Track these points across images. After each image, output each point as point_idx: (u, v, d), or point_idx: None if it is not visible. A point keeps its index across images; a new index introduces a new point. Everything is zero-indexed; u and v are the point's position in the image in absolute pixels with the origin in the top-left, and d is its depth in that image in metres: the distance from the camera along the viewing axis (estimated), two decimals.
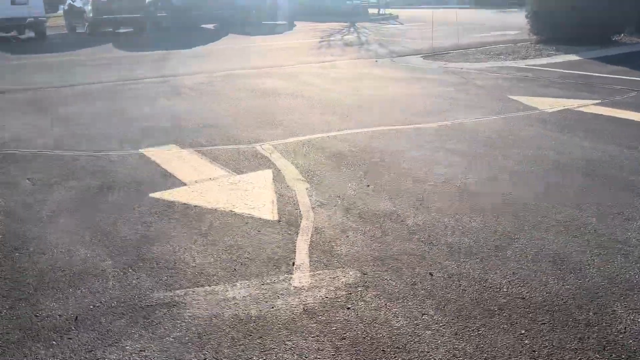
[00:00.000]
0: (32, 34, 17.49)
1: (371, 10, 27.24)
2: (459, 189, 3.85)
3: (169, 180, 4.15)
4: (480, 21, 21.05)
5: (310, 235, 3.15)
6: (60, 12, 23.07)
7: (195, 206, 3.63)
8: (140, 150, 4.95)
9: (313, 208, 3.56)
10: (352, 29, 19.39)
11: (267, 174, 4.24)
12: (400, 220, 3.35)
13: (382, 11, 26.88)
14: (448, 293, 2.54)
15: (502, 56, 10.96)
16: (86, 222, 3.42)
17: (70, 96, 7.68)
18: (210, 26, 21.43)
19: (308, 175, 4.19)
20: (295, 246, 3.02)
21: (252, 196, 3.77)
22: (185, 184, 4.05)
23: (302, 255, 2.92)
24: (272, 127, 5.73)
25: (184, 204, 3.68)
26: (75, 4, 19.49)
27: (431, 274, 2.70)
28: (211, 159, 4.65)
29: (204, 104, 6.98)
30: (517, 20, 18.65)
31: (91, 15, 18.09)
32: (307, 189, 3.92)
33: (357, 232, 3.18)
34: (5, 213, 3.60)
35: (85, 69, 10.50)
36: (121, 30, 19.99)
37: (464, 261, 2.83)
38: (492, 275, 2.69)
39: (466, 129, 5.44)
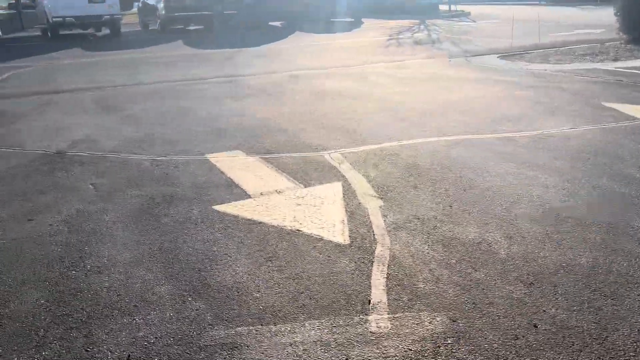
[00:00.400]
0: (107, 31, 18.02)
1: (442, 7, 26.37)
2: (559, 215, 3.35)
3: (234, 190, 3.89)
4: (559, 18, 19.82)
5: (387, 265, 2.78)
6: (135, 9, 23.71)
7: (260, 222, 3.34)
8: (205, 155, 4.74)
9: (389, 231, 3.19)
10: (422, 27, 18.74)
11: (337, 187, 3.90)
12: (491, 251, 2.91)
13: (453, 8, 25.93)
14: (559, 353, 2.11)
15: (588, 57, 10.10)
16: (146, 236, 3.20)
17: (138, 95, 7.65)
18: (277, 24, 21.36)
19: (381, 190, 3.81)
20: (370, 278, 2.66)
21: (320, 213, 3.44)
22: (250, 196, 3.77)
23: (378, 291, 2.55)
24: (341, 133, 5.38)
25: (249, 219, 3.39)
26: (148, 1, 19.93)
27: (535, 326, 2.27)
28: (277, 167, 4.36)
29: (270, 106, 6.73)
30: (600, 17, 17.42)
31: (163, 12, 18.40)
32: (380, 206, 3.54)
33: (442, 265, 2.78)
34: (65, 222, 3.44)
35: (154, 67, 10.55)
36: (191, 28, 20.27)
37: (575, 310, 2.37)
38: (612, 332, 2.22)
39: (558, 141, 4.87)
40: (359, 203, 3.62)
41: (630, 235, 3.04)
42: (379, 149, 4.82)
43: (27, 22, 21.00)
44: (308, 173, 4.23)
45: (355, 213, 3.45)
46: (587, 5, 27.76)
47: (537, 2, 29.98)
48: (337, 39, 15.62)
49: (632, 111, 5.86)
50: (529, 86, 7.52)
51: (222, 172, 4.29)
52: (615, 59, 9.70)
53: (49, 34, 17.02)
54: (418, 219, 3.34)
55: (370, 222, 3.32)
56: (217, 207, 3.59)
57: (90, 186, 4.06)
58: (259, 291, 2.59)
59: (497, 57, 10.62)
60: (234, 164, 4.49)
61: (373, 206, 3.56)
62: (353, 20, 22.38)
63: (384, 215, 3.41)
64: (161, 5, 18.41)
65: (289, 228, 3.25)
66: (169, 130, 5.68)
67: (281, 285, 2.63)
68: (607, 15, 13.29)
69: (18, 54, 13.33)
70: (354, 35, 16.48)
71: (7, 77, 9.69)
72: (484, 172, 4.14)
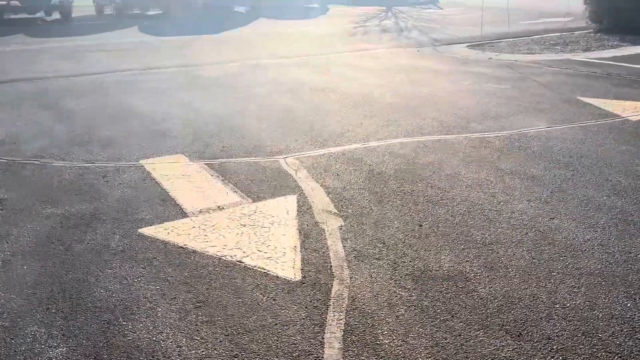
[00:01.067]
0: (58, 16, 16.89)
1: None
2: (545, 237, 2.87)
3: (168, 207, 3.30)
4: (527, 6, 19.58)
5: (344, 311, 2.25)
6: None
7: (193, 252, 2.76)
8: (140, 161, 4.11)
9: (349, 261, 2.65)
10: (389, 14, 18.22)
11: (291, 202, 3.34)
12: (470, 288, 2.41)
13: None
14: None
15: (558, 47, 9.75)
16: (49, 273, 2.59)
17: (80, 88, 6.90)
18: (241, 9, 20.52)
19: (341, 205, 3.28)
20: (324, 331, 2.13)
21: (269, 238, 2.88)
22: (186, 214, 3.18)
23: (333, 351, 2.02)
24: (300, 132, 4.81)
25: (181, 247, 2.81)
26: None
27: None
28: (223, 176, 3.78)
29: (224, 100, 6.10)
30: (569, 5, 17.20)
31: None
32: (340, 227, 3.01)
33: (412, 310, 2.26)
34: None
35: (103, 56, 9.74)
36: (150, 13, 19.25)
37: None
38: None
39: (535, 142, 4.42)
40: (316, 222, 3.07)
41: (631, 264, 2.59)
42: (341, 152, 4.27)
43: None
44: (259, 183, 3.66)
45: (310, 236, 2.91)
46: None
47: None
48: (302, 25, 14.96)
49: (610, 107, 5.46)
50: (501, 78, 7.08)
51: (157, 183, 3.68)
52: (586, 49, 9.36)
53: None
54: (383, 243, 2.82)
55: (327, 248, 2.78)
56: (145, 230, 2.99)
57: None
58: (181, 353, 2.02)
59: (466, 46, 10.18)
60: (173, 172, 3.88)
61: (332, 227, 3.02)
62: (318, 6, 21.70)
63: (344, 239, 2.87)
64: None
65: (229, 259, 2.69)
66: (105, 129, 5.00)
67: (210, 345, 2.07)
68: (576, 3, 13.00)
69: None
70: (320, 23, 15.85)
71: None
72: (457, 181, 3.64)
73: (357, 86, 6.75)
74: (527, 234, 2.90)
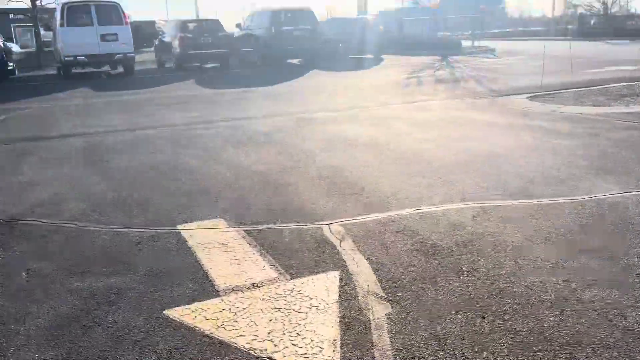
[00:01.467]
0: (122, 69, 17.66)
1: (465, 43, 25.66)
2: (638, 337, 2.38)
3: (199, 281, 3.02)
4: (589, 54, 18.89)
5: None
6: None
7: (220, 342, 2.44)
8: (178, 226, 3.89)
9: None
10: (444, 64, 18.00)
11: (332, 280, 2.99)
12: None
13: (476, 43, 25.21)
14: None
15: (628, 98, 9.12)
16: None
17: (129, 143, 6.91)
18: (295, 61, 20.88)
19: (390, 287, 2.89)
20: None
21: (305, 327, 2.53)
22: (217, 293, 2.88)
23: None
24: (347, 194, 4.49)
25: (207, 335, 2.50)
26: (164, 39, 19.67)
27: None
28: (262, 245, 3.48)
29: (270, 157, 5.90)
30: (632, 53, 16.43)
31: (178, 50, 18.07)
32: (388, 316, 2.62)
33: None
34: None
35: (157, 108, 9.90)
36: (208, 65, 19.88)
37: None
38: None
39: (613, 212, 3.90)
40: (360, 308, 2.70)
41: None
42: (391, 218, 3.91)
43: (47, 60, 20.93)
44: (299, 254, 3.33)
45: (352, 327, 2.53)
46: (616, 40, 26.83)
47: (563, 37, 29.12)
48: (355, 77, 14.93)
49: None
50: (566, 134, 6.57)
51: (192, 252, 3.42)
52: None
53: (62, 72, 16.72)
54: (439, 340, 2.40)
55: (371, 344, 2.40)
56: (170, 313, 2.70)
57: (23, 274, 3.22)
58: None
59: (527, 97, 9.71)
60: (210, 240, 3.62)
61: (378, 315, 2.63)
62: (373, 57, 21.83)
63: (392, 332, 2.47)
64: (176, 43, 18.08)
65: (258, 353, 2.35)
66: (147, 189, 4.87)
67: None
68: (638, 51, 12.34)
69: (24, 94, 12.90)
70: (374, 73, 15.79)
71: (2, 119, 9.12)
72: (525, 258, 3.19)
73: (409, 141, 6.42)
74: (613, 333, 2.41)
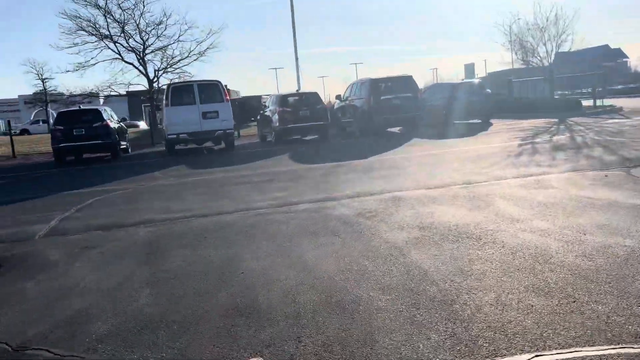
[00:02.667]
0: (223, 145, 17.88)
1: (586, 103, 23.31)
2: None
3: None
4: None
5: None
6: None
7: None
8: None
9: None
10: (562, 127, 16.14)
11: None
12: None
13: (598, 102, 22.79)
14: None
15: None
16: None
17: (196, 234, 6.22)
18: (396, 130, 20.06)
19: None
20: None
21: None
22: None
23: None
24: (434, 319, 3.28)
25: None
26: (266, 113, 19.82)
27: None
28: None
29: (344, 253, 4.84)
30: None
31: (277, 124, 18.01)
32: None
33: None
34: None
35: (242, 188, 9.34)
36: (307, 138, 19.65)
37: None
38: None
39: None
40: None
41: None
42: None
43: (159, 137, 21.99)
44: None
45: None
46: None
47: None
48: (460, 145, 13.65)
49: None
50: None
51: None
52: None
53: (167, 149, 17.22)
54: None
55: None
56: None
57: None
58: None
59: None
60: None
61: None
62: (480, 121, 20.41)
63: None
64: (275, 117, 18.06)
65: None
66: (190, 303, 3.99)
67: None
68: None
69: (126, 173, 13.16)
70: (481, 140, 14.39)
71: (90, 203, 9.01)
72: None
73: (521, 234, 5.06)
74: None
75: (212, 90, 16.46)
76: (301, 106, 18.18)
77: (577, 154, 10.33)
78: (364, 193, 7.86)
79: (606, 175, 7.74)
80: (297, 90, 20.12)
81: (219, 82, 16.70)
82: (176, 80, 24.75)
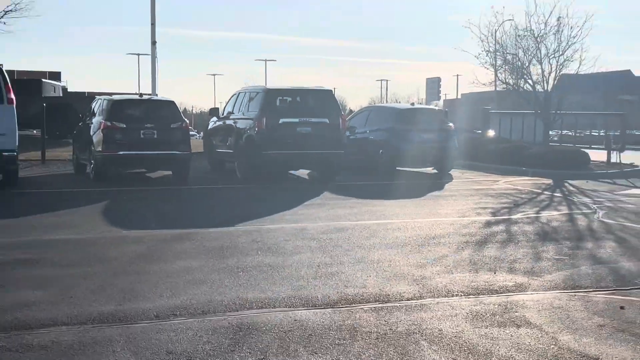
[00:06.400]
0: None
1: (595, 154, 23.09)
2: None
3: None
4: None
5: None
6: None
7: None
8: None
9: None
10: (557, 196, 15.49)
11: None
12: None
13: (614, 158, 22.62)
14: None
15: None
16: None
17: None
18: (303, 173, 18.96)
19: None
20: None
21: None
22: None
23: None
24: None
25: None
26: (89, 125, 18.15)
27: None
28: None
29: None
30: None
31: (99, 149, 16.39)
32: None
33: None
34: None
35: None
36: (154, 175, 18.03)
37: None
38: None
39: None
40: None
41: None
42: None
43: None
44: None
45: None
46: None
47: None
48: (393, 212, 12.60)
49: None
50: None
51: None
52: None
53: None
54: None
55: None
56: None
57: None
58: None
59: None
60: None
61: None
62: (435, 171, 19.74)
63: None
64: (98, 136, 16.55)
65: None
66: None
67: None
68: None
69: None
70: (428, 208, 13.43)
71: None
72: None
73: None
74: None
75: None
76: (145, 122, 16.61)
77: (577, 248, 9.35)
78: (187, 310, 6.27)
79: (622, 308, 6.58)
80: (140, 95, 18.38)
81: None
82: None
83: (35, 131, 28.96)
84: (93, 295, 6.78)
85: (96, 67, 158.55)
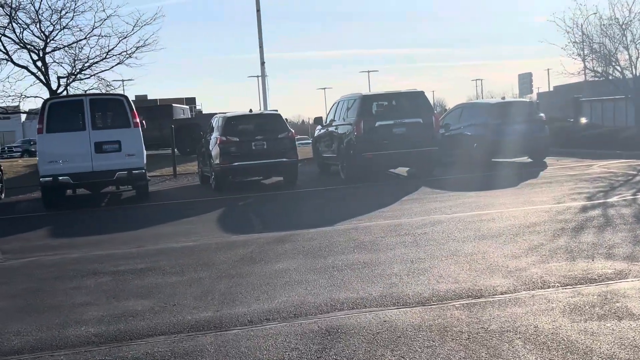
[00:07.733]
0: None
1: None
2: None
3: None
4: None
5: None
6: None
7: None
8: None
9: None
10: None
11: None
12: None
13: None
14: None
15: None
16: None
17: None
18: (402, 171, 18.15)
19: None
20: None
21: None
22: None
23: None
24: None
25: None
26: (209, 141, 17.96)
27: None
28: None
29: None
30: None
31: (217, 161, 16.17)
32: None
33: None
34: None
35: (74, 292, 7.17)
36: (267, 181, 17.66)
37: None
38: None
39: None
40: None
41: None
42: None
43: None
44: None
45: None
46: None
47: None
48: (488, 203, 11.51)
49: None
50: None
51: None
52: None
53: (43, 199, 15.25)
54: None
55: None
56: None
57: None
58: None
59: None
60: None
61: None
62: (530, 160, 18.40)
63: None
64: (215, 150, 16.28)
65: None
66: None
67: None
68: None
69: None
70: (523, 196, 12.26)
71: None
72: None
73: None
74: None
75: (112, 108, 14.77)
76: (255, 134, 16.31)
77: None
78: (280, 314, 5.69)
79: None
80: (250, 111, 18.09)
81: (124, 96, 15.03)
82: (95, 91, 23.05)
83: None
84: (195, 301, 6.33)
85: (227, 90, 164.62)
